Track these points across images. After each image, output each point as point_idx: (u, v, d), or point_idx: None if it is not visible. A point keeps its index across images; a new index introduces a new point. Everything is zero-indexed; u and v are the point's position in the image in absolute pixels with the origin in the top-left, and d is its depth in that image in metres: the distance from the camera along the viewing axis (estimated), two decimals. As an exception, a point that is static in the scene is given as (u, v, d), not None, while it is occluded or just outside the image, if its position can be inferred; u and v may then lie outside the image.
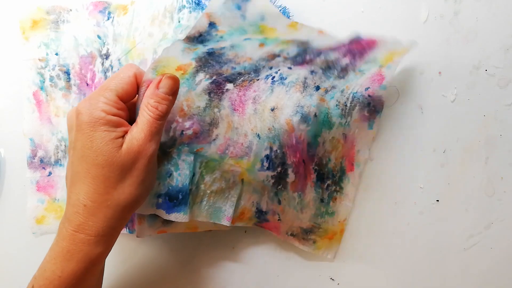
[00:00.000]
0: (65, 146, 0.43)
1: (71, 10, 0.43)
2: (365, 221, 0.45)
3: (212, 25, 0.35)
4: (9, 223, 0.45)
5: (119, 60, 0.42)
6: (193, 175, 0.39)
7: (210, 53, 0.36)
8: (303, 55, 0.40)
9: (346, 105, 0.41)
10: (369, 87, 0.40)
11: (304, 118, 0.40)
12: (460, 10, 0.42)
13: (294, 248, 0.45)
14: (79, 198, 0.32)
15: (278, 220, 0.42)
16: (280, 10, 0.42)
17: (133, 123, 0.34)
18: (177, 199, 0.38)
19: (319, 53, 0.41)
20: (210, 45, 0.35)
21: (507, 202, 0.43)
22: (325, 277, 0.46)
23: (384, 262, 0.45)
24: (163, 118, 0.33)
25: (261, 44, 0.38)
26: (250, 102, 0.39)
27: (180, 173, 0.38)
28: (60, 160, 0.44)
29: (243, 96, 0.39)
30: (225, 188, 0.40)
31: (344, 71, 0.41)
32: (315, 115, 0.40)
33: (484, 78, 0.43)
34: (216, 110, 0.38)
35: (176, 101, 0.35)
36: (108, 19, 0.43)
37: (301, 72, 0.40)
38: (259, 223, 0.43)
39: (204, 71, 0.36)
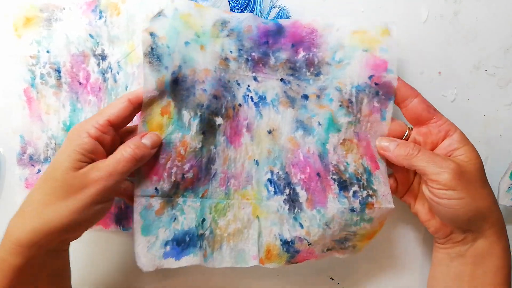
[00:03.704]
0: (55, 144, 0.43)
1: (64, 8, 0.43)
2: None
3: (153, 34, 0.36)
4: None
5: (118, 62, 0.42)
6: (204, 220, 0.38)
7: (175, 81, 0.36)
8: (248, 53, 0.39)
9: (351, 102, 0.39)
10: (373, 75, 0.38)
11: (308, 131, 0.40)
12: (460, 10, 0.42)
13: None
14: (22, 202, 0.33)
15: (309, 244, 0.39)
16: (280, 10, 0.42)
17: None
18: (184, 241, 0.37)
19: (264, 52, 0.39)
20: (167, 65, 0.36)
21: (507, 201, 0.44)
22: (325, 277, 0.46)
23: (384, 262, 0.46)
24: (133, 163, 0.34)
25: (201, 47, 0.38)
26: (244, 131, 0.40)
27: (186, 217, 0.38)
28: (49, 157, 0.43)
29: (236, 127, 0.40)
30: (242, 228, 0.39)
31: (312, 66, 0.39)
32: (319, 124, 0.39)
33: (484, 78, 0.43)
34: (212, 147, 0.38)
35: (173, 147, 0.36)
36: (100, 18, 0.42)
37: (273, 84, 0.40)
38: (292, 260, 0.40)
39: (184, 106, 0.37)
